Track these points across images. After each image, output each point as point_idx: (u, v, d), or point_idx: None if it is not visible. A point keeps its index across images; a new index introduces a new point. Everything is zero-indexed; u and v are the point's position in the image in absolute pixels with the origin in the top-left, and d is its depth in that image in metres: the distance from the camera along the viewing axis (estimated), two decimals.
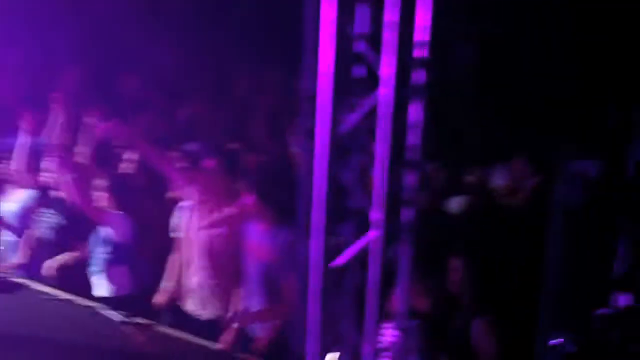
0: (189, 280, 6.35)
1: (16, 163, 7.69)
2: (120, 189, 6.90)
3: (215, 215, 6.22)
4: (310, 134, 4.37)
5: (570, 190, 3.80)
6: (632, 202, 3.66)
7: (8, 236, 7.81)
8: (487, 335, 4.75)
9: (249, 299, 5.99)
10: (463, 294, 4.88)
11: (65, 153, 7.21)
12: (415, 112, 4.37)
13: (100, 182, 6.90)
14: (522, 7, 8.85)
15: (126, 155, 7.47)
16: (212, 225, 6.22)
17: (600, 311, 3.59)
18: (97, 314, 6.38)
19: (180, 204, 6.62)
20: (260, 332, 5.88)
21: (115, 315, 6.23)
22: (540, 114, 7.83)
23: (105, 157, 7.55)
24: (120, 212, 6.73)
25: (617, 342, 3.61)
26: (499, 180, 6.83)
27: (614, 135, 3.86)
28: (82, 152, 7.62)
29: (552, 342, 3.67)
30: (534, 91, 8.31)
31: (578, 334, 3.66)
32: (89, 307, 6.51)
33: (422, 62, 4.33)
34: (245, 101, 8.79)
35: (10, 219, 7.77)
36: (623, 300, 3.58)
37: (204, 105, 8.77)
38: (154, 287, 6.57)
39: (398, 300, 4.44)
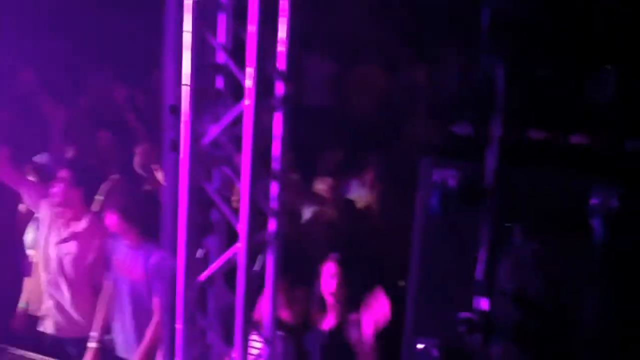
0: (46, 299, 6.14)
1: None
2: None
3: (70, 230, 6.06)
4: (173, 146, 4.32)
5: (431, 199, 3.90)
6: (489, 209, 3.79)
7: None
8: (364, 330, 4.87)
9: (120, 318, 5.86)
10: (337, 297, 5.00)
11: None
12: (277, 123, 4.40)
13: None
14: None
15: None
16: (67, 241, 6.05)
17: (463, 315, 3.71)
18: None
19: (34, 218, 6.42)
20: (128, 350, 5.76)
21: None
22: (397, 125, 8.03)
23: None
24: None
25: (478, 345, 3.74)
26: (354, 192, 6.96)
27: (471, 146, 4.00)
28: None
29: (418, 347, 3.77)
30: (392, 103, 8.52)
31: (443, 338, 3.77)
32: None
33: (283, 74, 4.37)
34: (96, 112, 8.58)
35: None
36: (484, 304, 3.71)
37: (56, 114, 8.50)
38: (8, 308, 6.34)
39: (263, 311, 4.45)
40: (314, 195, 6.63)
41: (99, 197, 6.24)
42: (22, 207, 6.78)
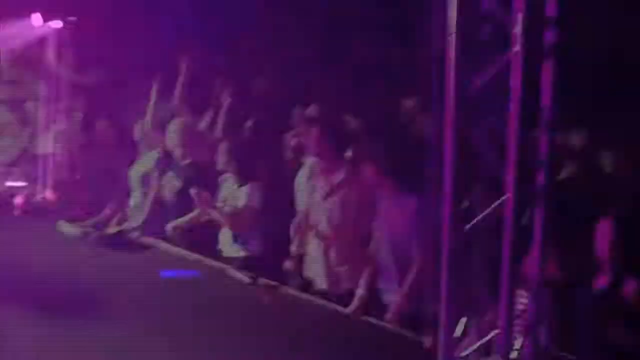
0: (309, 247, 6.33)
1: (147, 123, 7.95)
2: (242, 153, 6.99)
3: (329, 183, 6.19)
4: (439, 97, 4.27)
5: None
6: None
7: (134, 198, 8.02)
8: None
9: (382, 270, 5.90)
10: (612, 256, 4.79)
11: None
12: (547, 72, 4.22)
13: (225, 146, 7.02)
14: None
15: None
16: (328, 195, 6.18)
17: None
18: (225, 274, 6.49)
19: (304, 167, 6.63)
20: (393, 299, 5.81)
21: (242, 276, 6.31)
22: None
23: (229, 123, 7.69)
24: (245, 176, 6.82)
25: None
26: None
27: None
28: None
29: None
30: None
31: None
32: (216, 267, 6.66)
33: (553, 21, 4.18)
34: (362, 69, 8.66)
35: (136, 181, 7.98)
36: None
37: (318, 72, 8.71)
38: (280, 249, 6.59)
39: (530, 266, 4.32)
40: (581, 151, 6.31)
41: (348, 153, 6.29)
42: (289, 155, 7.03)
